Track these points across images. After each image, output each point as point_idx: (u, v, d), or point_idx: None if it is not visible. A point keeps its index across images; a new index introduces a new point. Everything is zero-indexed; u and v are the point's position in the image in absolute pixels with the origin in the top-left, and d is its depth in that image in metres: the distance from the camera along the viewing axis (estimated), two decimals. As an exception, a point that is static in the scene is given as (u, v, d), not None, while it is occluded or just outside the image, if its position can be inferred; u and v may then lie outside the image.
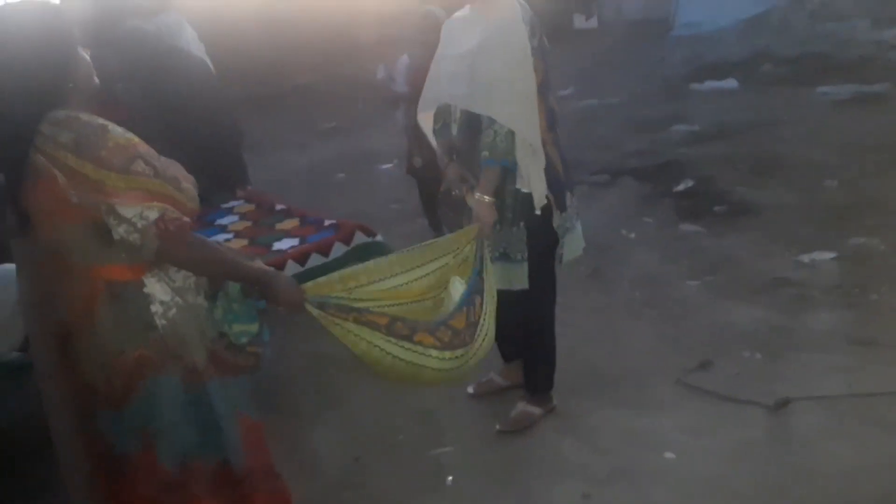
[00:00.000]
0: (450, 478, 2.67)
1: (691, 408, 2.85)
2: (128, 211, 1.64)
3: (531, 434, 2.82)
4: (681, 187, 5.11)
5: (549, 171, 2.60)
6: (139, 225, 1.65)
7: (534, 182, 2.59)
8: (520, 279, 2.66)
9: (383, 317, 2.01)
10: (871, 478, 2.35)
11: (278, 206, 4.00)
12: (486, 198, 2.58)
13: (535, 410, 2.86)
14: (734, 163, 5.41)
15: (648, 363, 3.18)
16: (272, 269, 1.91)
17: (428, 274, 2.25)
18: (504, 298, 2.74)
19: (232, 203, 4.11)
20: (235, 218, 3.94)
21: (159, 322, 1.75)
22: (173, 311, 1.77)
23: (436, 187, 4.61)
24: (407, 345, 2.01)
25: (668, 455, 2.60)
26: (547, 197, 2.60)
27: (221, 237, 3.61)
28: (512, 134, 2.53)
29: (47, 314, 1.77)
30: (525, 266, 2.65)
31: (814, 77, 7.02)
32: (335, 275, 2.04)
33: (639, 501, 2.41)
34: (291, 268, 3.22)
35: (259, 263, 1.89)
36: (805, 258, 3.90)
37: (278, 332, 2.12)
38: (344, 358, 3.26)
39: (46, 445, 2.44)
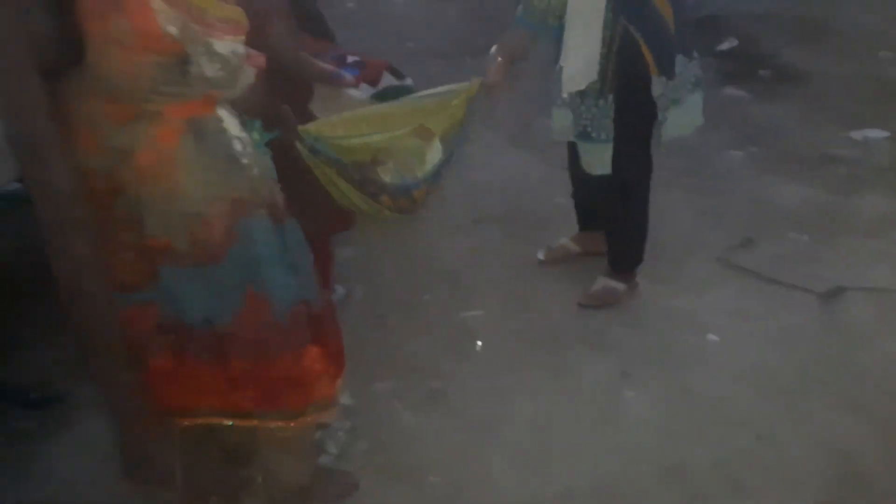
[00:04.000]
0: (479, 342, 2.56)
1: (734, 288, 2.72)
2: (223, 47, 1.44)
3: (564, 306, 2.69)
4: (724, 46, 4.74)
5: (656, 29, 2.26)
6: (233, 62, 1.46)
7: (570, 59, 2.27)
8: (602, 163, 2.39)
9: (358, 173, 2.19)
10: (920, 377, 2.27)
11: (294, 34, 3.62)
12: (499, 57, 2.31)
13: (619, 286, 2.66)
14: (781, 22, 5.01)
15: (687, 238, 3.01)
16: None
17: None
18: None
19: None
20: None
21: (243, 160, 1.57)
22: (248, 147, 1.59)
23: None
24: (371, 201, 2.26)
25: (711, 337, 2.49)
26: (646, 59, 2.26)
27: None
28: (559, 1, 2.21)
29: (84, 165, 1.51)
30: (609, 148, 2.36)
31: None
32: (335, 117, 2.21)
33: (680, 383, 2.31)
34: (310, 106, 2.94)
35: None
36: (856, 135, 3.66)
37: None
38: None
39: (46, 283, 2.28)
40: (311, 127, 2.10)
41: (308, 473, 1.93)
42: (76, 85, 1.46)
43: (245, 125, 1.70)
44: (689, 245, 2.96)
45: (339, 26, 5.46)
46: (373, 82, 3.17)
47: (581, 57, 2.27)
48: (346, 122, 2.20)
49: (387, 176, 2.22)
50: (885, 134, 3.62)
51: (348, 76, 2.50)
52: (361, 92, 2.56)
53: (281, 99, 2.28)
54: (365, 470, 2.07)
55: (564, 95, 2.36)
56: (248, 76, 1.53)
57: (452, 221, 3.22)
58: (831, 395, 2.22)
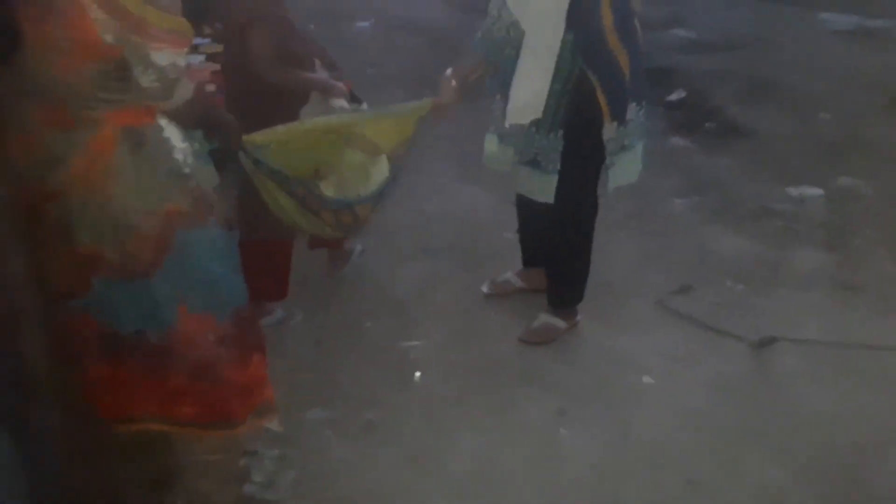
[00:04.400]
0: (417, 373, 2.54)
1: (671, 332, 2.76)
2: (161, 58, 1.42)
3: (505, 340, 2.69)
4: (673, 97, 4.89)
5: (612, 76, 2.30)
6: (170, 74, 1.44)
7: (517, 91, 2.29)
8: (546, 192, 2.41)
9: (301, 188, 2.16)
10: (844, 427, 2.32)
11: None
12: (454, 80, 2.35)
13: (560, 324, 2.68)
14: (729, 79, 5.19)
15: (629, 280, 3.06)
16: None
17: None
18: (531, 204, 2.51)
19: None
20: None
21: (185, 169, 1.54)
22: (190, 157, 1.56)
23: None
24: (312, 217, 2.24)
25: (647, 379, 2.52)
26: (600, 103, 2.30)
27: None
28: (517, 26, 2.23)
29: (16, 176, 1.46)
30: (554, 179, 2.38)
31: (816, 0, 6.74)
32: (280, 128, 2.16)
33: (615, 424, 2.33)
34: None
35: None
36: (793, 191, 3.79)
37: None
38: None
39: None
40: (255, 137, 2.07)
41: (231, 502, 1.88)
42: (8, 86, 1.42)
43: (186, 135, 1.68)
44: (630, 287, 3.01)
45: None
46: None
47: (529, 92, 2.30)
48: (291, 132, 2.17)
49: (329, 190, 2.19)
50: (820, 192, 3.76)
51: (339, 85, 2.51)
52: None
53: (270, 107, 2.28)
54: (292, 501, 2.01)
55: (507, 126, 2.39)
56: (186, 89, 1.51)
57: (400, 250, 3.21)
58: (760, 442, 2.27)
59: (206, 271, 1.58)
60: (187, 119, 1.62)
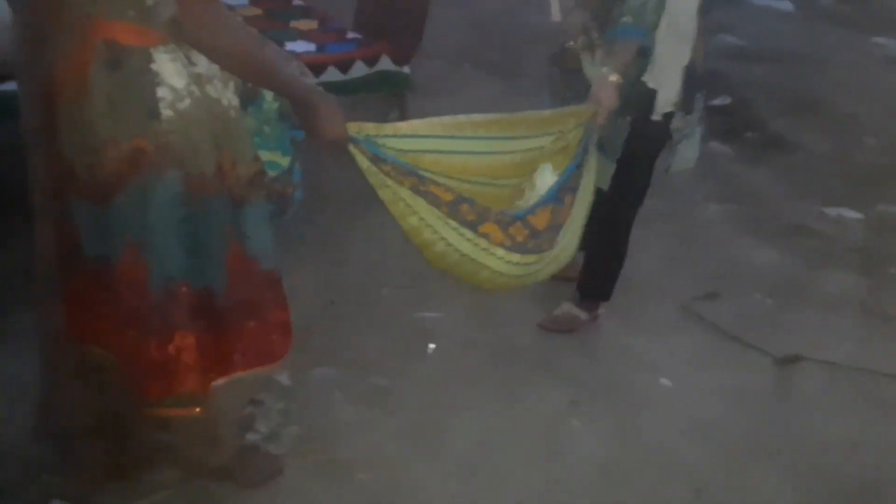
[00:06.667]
0: (431, 346, 2.48)
1: (693, 338, 2.68)
2: None
3: (523, 324, 2.63)
4: (717, 102, 4.77)
5: (690, 65, 2.19)
6: None
7: (667, 78, 2.13)
8: (604, 178, 2.31)
9: (448, 192, 1.63)
10: (861, 456, 2.25)
11: (295, 2, 3.52)
12: (614, 75, 2.07)
13: (582, 315, 2.61)
14: (775, 91, 5.06)
15: (653, 281, 2.97)
16: (321, 89, 1.53)
17: (515, 152, 1.83)
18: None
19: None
20: (245, 1, 3.46)
21: (164, 112, 1.37)
22: (186, 102, 1.38)
23: None
24: (469, 234, 1.68)
25: (663, 381, 2.45)
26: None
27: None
28: (663, 5, 2.05)
29: (36, 68, 1.38)
30: (613, 167, 2.32)
31: (871, 24, 6.58)
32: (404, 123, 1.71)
33: (626, 422, 2.26)
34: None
35: (309, 79, 1.52)
36: (831, 212, 3.69)
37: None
38: (346, 198, 2.99)
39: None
40: (354, 125, 1.55)
41: (224, 454, 1.81)
42: None
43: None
44: (654, 288, 2.93)
45: (348, 6, 5.29)
46: (369, 61, 3.10)
47: (679, 75, 2.15)
48: (406, 125, 1.69)
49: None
50: (859, 216, 3.66)
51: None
52: None
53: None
54: (292, 456, 1.97)
55: (656, 118, 2.21)
56: (168, 6, 1.29)
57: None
58: (773, 460, 2.19)
59: (155, 226, 1.43)
60: (242, 74, 1.43)
